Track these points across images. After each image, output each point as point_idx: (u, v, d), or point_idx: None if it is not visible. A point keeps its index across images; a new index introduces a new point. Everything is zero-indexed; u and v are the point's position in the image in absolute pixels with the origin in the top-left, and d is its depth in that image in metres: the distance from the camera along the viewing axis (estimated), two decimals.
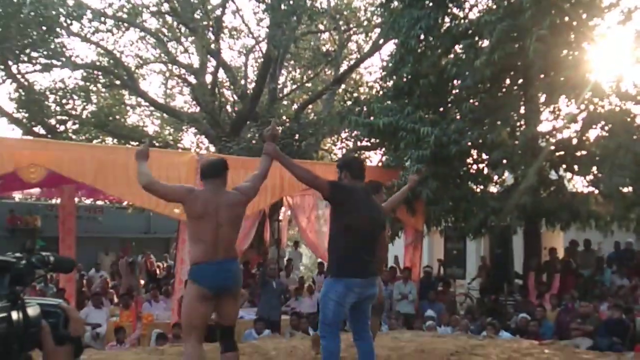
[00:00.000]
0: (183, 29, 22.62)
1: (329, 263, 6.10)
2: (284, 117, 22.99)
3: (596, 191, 14.99)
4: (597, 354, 8.07)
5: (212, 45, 22.04)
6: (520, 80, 15.27)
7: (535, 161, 14.15)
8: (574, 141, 15.15)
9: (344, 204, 5.86)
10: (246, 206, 5.97)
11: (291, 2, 19.60)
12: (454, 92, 16.18)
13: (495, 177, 16.07)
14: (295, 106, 25.18)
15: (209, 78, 23.14)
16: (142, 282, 18.77)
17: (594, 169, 14.89)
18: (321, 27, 24.45)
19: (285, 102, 25.49)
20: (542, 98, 15.23)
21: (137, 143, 21.53)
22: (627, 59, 15.02)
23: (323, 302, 5.85)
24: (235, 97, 23.93)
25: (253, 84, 22.81)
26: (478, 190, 15.80)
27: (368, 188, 6.20)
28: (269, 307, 13.34)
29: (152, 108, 25.01)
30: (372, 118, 15.55)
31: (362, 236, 5.82)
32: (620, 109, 14.63)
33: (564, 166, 15.41)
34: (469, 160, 15.65)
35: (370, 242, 5.90)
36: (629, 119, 14.63)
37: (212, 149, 21.56)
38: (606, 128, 14.64)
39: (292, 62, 24.97)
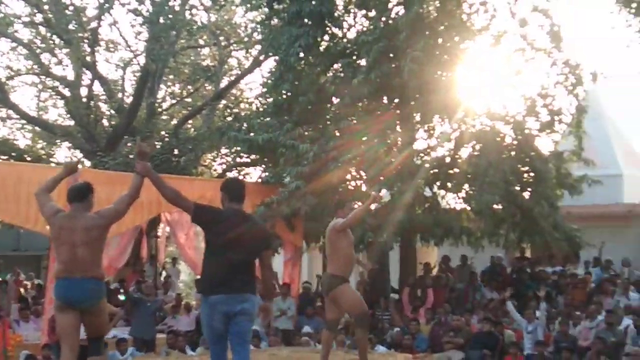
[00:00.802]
0: (57, 40, 21.88)
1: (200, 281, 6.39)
2: (163, 132, 22.59)
3: (468, 208, 15.50)
4: None
5: (88, 58, 21.42)
6: (397, 100, 15.64)
7: (410, 178, 14.48)
8: (447, 159, 15.64)
9: (208, 225, 6.12)
10: (106, 229, 6.33)
11: (170, 16, 19.33)
12: (332, 109, 16.38)
13: (372, 194, 16.32)
14: (174, 121, 24.79)
15: (84, 91, 22.44)
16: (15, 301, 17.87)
17: (466, 186, 15.41)
18: (201, 42, 24.23)
19: (164, 117, 25.01)
20: (417, 117, 15.65)
21: (6, 157, 20.61)
22: (497, 81, 15.72)
23: (202, 321, 6.24)
24: (112, 111, 23.33)
25: (130, 98, 22.31)
26: (355, 206, 15.98)
27: (241, 212, 6.35)
28: (142, 325, 13.02)
29: (23, 121, 24.00)
30: (251, 134, 15.54)
31: (228, 257, 5.97)
32: (491, 129, 15.24)
33: (438, 183, 15.86)
34: (347, 176, 15.85)
35: (238, 263, 6.00)
36: (498, 139, 15.26)
37: (88, 163, 20.89)
38: (477, 147, 15.20)
39: (171, 76, 24.56)
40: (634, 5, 14.35)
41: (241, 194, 6.40)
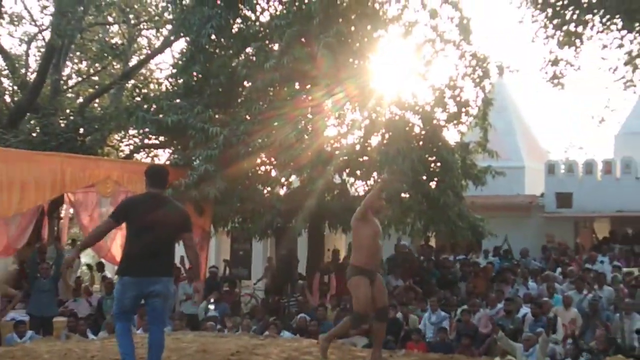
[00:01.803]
0: None
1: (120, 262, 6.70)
2: (68, 111, 21.94)
3: None
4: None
5: None
6: (309, 86, 15.62)
7: (320, 165, 14.52)
8: (357, 147, 15.74)
9: (127, 216, 6.48)
10: None
11: None
12: (244, 93, 16.23)
13: (283, 180, 16.30)
14: (80, 100, 24.11)
15: None
16: None
17: (375, 174, 15.55)
18: (110, 19, 23.61)
19: (69, 95, 24.32)
20: (329, 104, 15.68)
21: None
22: (407, 71, 15.90)
23: (114, 295, 6.70)
24: (15, 87, 22.50)
25: (34, 74, 21.56)
26: (265, 191, 15.97)
27: (159, 196, 6.66)
28: (39, 305, 12.68)
29: None
30: (161, 115, 15.24)
31: (143, 240, 6.31)
32: (400, 119, 15.41)
33: (347, 171, 15.95)
34: (257, 161, 15.76)
35: (153, 246, 6.31)
36: (407, 128, 15.45)
37: None
38: (386, 136, 15.35)
39: (77, 53, 23.88)
40: (539, 0, 14.73)
41: (161, 179, 6.75)
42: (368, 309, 7.34)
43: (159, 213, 6.39)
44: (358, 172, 15.89)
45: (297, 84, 15.71)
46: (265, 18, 16.22)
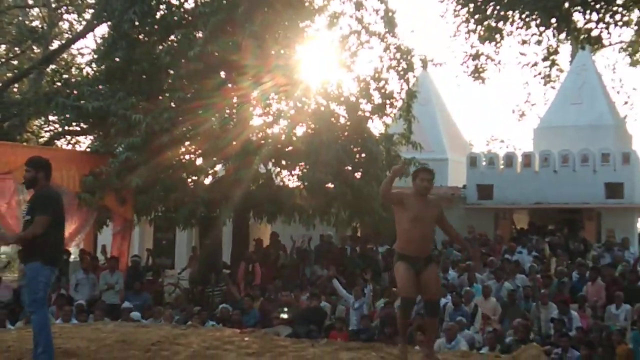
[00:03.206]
0: None
1: (35, 252, 6.76)
2: None
3: (301, 186, 15.69)
4: (293, 341, 8.42)
5: None
6: (234, 74, 15.51)
7: (246, 155, 14.45)
8: (283, 137, 15.72)
9: (55, 210, 6.82)
10: None
11: None
12: (168, 80, 16.01)
13: (208, 169, 16.17)
14: None
15: None
16: None
17: (301, 164, 15.58)
18: (30, 1, 22.97)
19: None
20: (255, 93, 15.61)
21: None
22: (332, 61, 15.96)
23: (34, 284, 6.75)
24: None
25: None
26: (190, 180, 15.82)
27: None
28: None
29: None
30: (82, 102, 14.90)
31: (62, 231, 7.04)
32: (325, 109, 15.47)
33: (273, 160, 15.93)
34: (182, 150, 15.59)
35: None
36: (332, 119, 15.53)
37: None
38: (312, 126, 15.38)
39: None
40: None
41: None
42: (411, 293, 7.04)
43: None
44: (283, 162, 15.88)
45: (223, 73, 15.60)
46: (190, 5, 16.03)
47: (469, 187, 21.09)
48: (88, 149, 16.36)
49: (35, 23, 23.75)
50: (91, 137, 18.34)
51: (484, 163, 21.42)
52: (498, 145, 39.73)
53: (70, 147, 20.65)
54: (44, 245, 6.74)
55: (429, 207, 7.16)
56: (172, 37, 15.70)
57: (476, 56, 15.97)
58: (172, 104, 15.12)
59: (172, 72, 15.45)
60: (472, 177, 21.16)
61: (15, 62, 24.04)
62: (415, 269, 7.05)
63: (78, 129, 19.68)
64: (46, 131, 22.71)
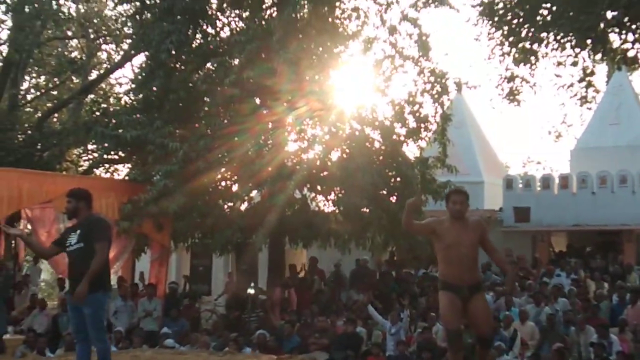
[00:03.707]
0: None
1: (97, 281, 6.89)
2: (25, 125, 21.67)
3: (337, 211, 15.71)
4: None
5: None
6: (269, 100, 15.64)
7: (281, 180, 14.52)
8: (318, 162, 15.78)
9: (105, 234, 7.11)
10: None
11: (36, 5, 18.59)
12: (204, 108, 16.20)
13: (243, 195, 16.27)
14: (38, 114, 23.84)
15: None
16: None
17: (336, 189, 15.61)
18: (69, 33, 23.44)
19: (27, 110, 24.05)
20: (290, 119, 15.71)
21: None
22: (367, 86, 16.03)
23: (101, 315, 7.06)
24: None
25: None
26: (226, 206, 15.92)
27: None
28: None
29: None
30: (120, 131, 15.13)
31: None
32: (360, 133, 15.51)
33: (308, 185, 15.98)
34: (218, 176, 15.72)
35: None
36: (367, 144, 15.56)
37: None
38: (347, 151, 15.43)
39: (36, 67, 23.64)
40: (495, 18, 14.98)
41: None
42: (454, 323, 6.70)
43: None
44: (318, 187, 15.92)
45: (257, 99, 15.74)
46: (225, 34, 16.24)
47: (506, 209, 20.93)
48: (126, 177, 16.57)
49: (74, 54, 24.22)
50: (129, 166, 18.59)
51: (520, 185, 21.27)
52: (534, 167, 39.43)
53: (108, 175, 20.96)
54: (104, 274, 7.02)
55: (467, 230, 6.79)
56: (208, 65, 15.90)
57: (511, 78, 15.91)
58: (208, 131, 15.29)
59: (208, 99, 15.65)
60: (509, 199, 21.01)
61: (55, 93, 24.48)
62: (460, 297, 6.70)
63: (116, 157, 20.01)
64: (85, 160, 23.08)
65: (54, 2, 20.41)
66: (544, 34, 15.05)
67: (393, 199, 15.59)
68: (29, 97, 24.20)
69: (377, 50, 15.78)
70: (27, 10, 18.81)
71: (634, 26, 14.65)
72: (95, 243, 6.88)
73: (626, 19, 14.44)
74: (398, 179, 15.76)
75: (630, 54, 15.46)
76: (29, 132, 20.43)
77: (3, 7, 20.22)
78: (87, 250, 6.87)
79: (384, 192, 15.51)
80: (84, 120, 19.93)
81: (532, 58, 15.47)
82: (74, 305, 6.97)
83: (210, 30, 16.15)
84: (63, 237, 7.26)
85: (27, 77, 23.45)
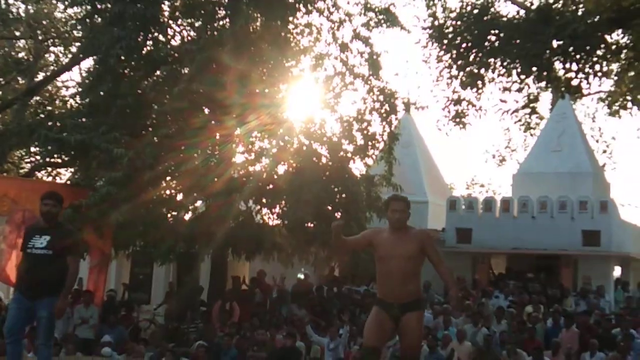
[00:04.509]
0: None
1: (60, 287, 6.99)
2: None
3: (282, 224, 15.70)
4: None
5: None
6: (218, 112, 15.59)
7: (228, 192, 14.46)
8: (265, 175, 15.77)
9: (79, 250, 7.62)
10: None
11: None
12: (152, 116, 16.05)
13: (188, 204, 16.15)
14: None
15: None
16: None
17: (282, 202, 15.60)
18: (17, 33, 23.03)
19: None
20: (238, 130, 15.69)
21: None
22: (317, 101, 16.12)
23: (54, 319, 7.07)
24: None
25: None
26: (169, 216, 15.78)
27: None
28: None
29: None
30: (64, 134, 14.89)
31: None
32: (308, 148, 15.56)
33: (254, 198, 15.94)
34: (162, 184, 15.57)
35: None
36: (314, 159, 15.61)
37: None
38: (294, 165, 15.46)
39: None
40: (445, 41, 15.28)
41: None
42: (372, 342, 6.32)
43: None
44: (264, 200, 15.90)
45: (207, 110, 15.67)
46: (176, 42, 16.15)
47: (448, 230, 21.19)
48: (68, 182, 16.31)
49: (21, 54, 23.80)
50: (72, 170, 18.30)
51: (463, 207, 21.56)
52: (478, 190, 40.02)
53: (50, 179, 20.59)
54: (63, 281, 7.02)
55: (405, 241, 6.24)
56: (158, 72, 15.80)
57: (458, 101, 16.22)
58: (155, 139, 15.15)
59: (156, 107, 15.51)
60: (452, 220, 21.28)
61: None
62: (390, 315, 6.26)
63: (59, 161, 19.66)
64: (27, 162, 22.65)
65: (2, 2, 20.08)
66: (491, 60, 15.39)
67: (338, 214, 15.65)
68: None
69: (328, 67, 15.95)
70: None
71: (578, 56, 15.07)
72: (68, 256, 6.97)
73: (571, 49, 14.86)
74: (344, 195, 15.83)
75: (574, 82, 15.90)
76: None
77: None
78: (54, 259, 6.92)
79: (329, 207, 15.56)
80: (28, 122, 19.55)
81: (479, 82, 15.81)
82: (26, 305, 6.97)
83: (161, 37, 16.04)
84: (25, 239, 7.17)
85: None
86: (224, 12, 15.83)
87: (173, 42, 16.19)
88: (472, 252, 20.84)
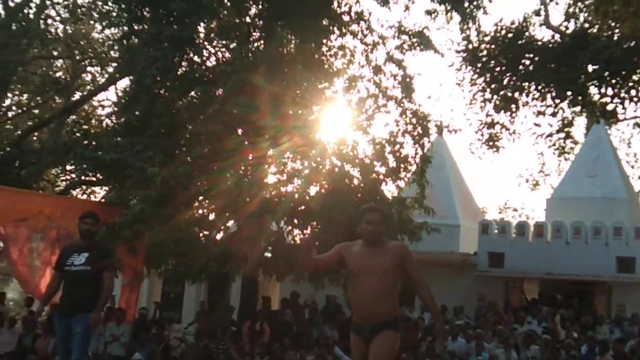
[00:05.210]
0: None
1: (94, 303, 7.23)
2: (5, 142, 21.57)
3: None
4: None
5: None
6: (251, 133, 15.68)
7: (259, 212, 14.50)
8: (296, 196, 15.79)
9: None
10: None
11: (23, 24, 18.63)
12: (186, 136, 16.20)
13: (220, 224, 16.24)
14: (18, 132, 23.74)
15: None
16: None
17: (313, 223, 15.60)
18: (55, 53, 23.45)
19: (7, 127, 23.95)
20: (271, 152, 15.76)
21: None
22: (349, 123, 16.14)
23: (89, 335, 7.36)
24: None
25: None
26: (202, 235, 15.86)
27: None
28: None
29: None
30: (100, 153, 15.08)
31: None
32: (340, 170, 15.57)
33: (285, 219, 15.97)
34: (195, 204, 15.67)
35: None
36: (346, 180, 15.61)
37: None
38: (326, 186, 15.46)
39: (19, 85, 23.59)
40: (479, 65, 15.25)
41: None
42: None
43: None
44: (296, 221, 15.91)
45: (239, 130, 15.76)
46: (211, 63, 16.31)
47: (480, 254, 21.01)
48: (103, 200, 16.48)
49: (59, 74, 24.20)
50: (106, 188, 18.51)
51: (495, 231, 21.38)
52: (511, 214, 39.65)
53: (85, 197, 20.84)
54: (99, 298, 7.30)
55: (380, 255, 5.54)
56: (192, 93, 15.95)
57: (491, 125, 16.16)
58: (189, 159, 15.27)
59: (190, 128, 15.65)
60: (484, 244, 21.09)
61: (36, 111, 24.42)
62: (363, 339, 5.58)
63: (94, 179, 19.93)
64: (62, 180, 22.96)
65: (41, 22, 20.46)
66: (525, 84, 15.31)
67: None
68: (10, 114, 24.09)
69: (361, 89, 15.96)
70: (14, 27, 18.82)
71: (613, 81, 14.95)
72: (104, 271, 7.25)
73: (606, 74, 14.74)
74: None
75: (609, 107, 15.77)
76: (8, 149, 20.32)
77: None
78: (92, 275, 7.21)
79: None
80: (64, 140, 19.87)
81: (513, 106, 15.74)
82: (65, 323, 7.23)
83: (196, 58, 16.21)
84: (63, 257, 7.40)
85: (9, 95, 23.35)
86: (258, 34, 15.98)
87: (208, 63, 16.35)
88: (504, 276, 20.62)
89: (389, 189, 16.63)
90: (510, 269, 20.49)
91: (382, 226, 5.70)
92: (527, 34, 16.82)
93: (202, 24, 16.09)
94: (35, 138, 23.62)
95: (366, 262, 5.51)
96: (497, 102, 15.69)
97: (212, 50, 16.54)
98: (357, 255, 5.59)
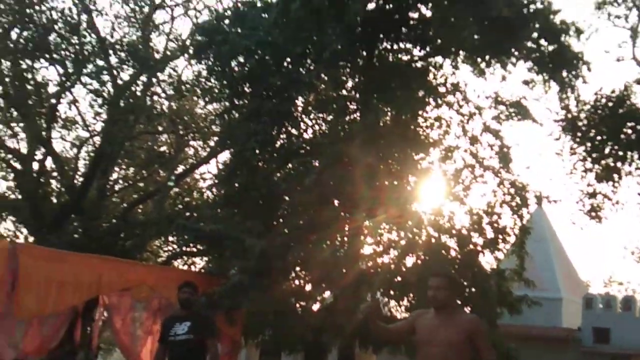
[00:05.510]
0: (14, 113, 21.79)
1: None
2: (111, 215, 22.41)
3: None
4: None
5: (43, 133, 21.35)
6: (347, 205, 15.79)
7: (355, 283, 14.48)
8: (392, 267, 15.72)
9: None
10: None
11: (131, 100, 19.53)
12: (283, 207, 16.46)
13: (316, 295, 16.29)
14: (124, 204, 24.63)
15: (35, 166, 22.26)
16: None
17: (409, 295, 15.44)
18: (160, 128, 24.40)
19: (114, 199, 24.88)
20: (367, 223, 15.80)
21: None
22: (445, 194, 16.05)
23: None
24: (62, 189, 23.12)
25: (82, 178, 22.18)
26: (298, 306, 15.92)
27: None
28: None
29: None
30: (201, 224, 15.48)
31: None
32: (436, 241, 15.43)
33: (381, 290, 15.87)
34: (292, 275, 15.80)
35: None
36: (443, 251, 15.43)
37: (31, 239, 20.54)
38: (422, 257, 15.32)
39: (125, 159, 24.58)
40: (578, 134, 14.97)
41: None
42: None
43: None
44: (392, 292, 15.79)
45: (335, 201, 15.90)
46: (308, 135, 16.63)
47: (585, 329, 20.27)
48: (202, 270, 16.80)
49: (163, 148, 25.08)
50: (206, 259, 18.88)
51: (600, 305, 20.63)
52: (616, 288, 38.19)
53: (186, 267, 21.31)
54: None
55: (449, 326, 5.34)
56: (290, 165, 16.26)
57: (593, 195, 15.76)
58: (286, 230, 15.48)
59: (287, 199, 15.90)
60: (588, 319, 20.38)
61: (141, 184, 25.27)
62: None
63: (195, 250, 20.41)
64: (165, 251, 23.56)
65: (147, 98, 21.38)
66: (627, 152, 14.91)
67: (467, 309, 15.29)
68: (116, 187, 25.03)
69: (457, 159, 15.89)
70: (121, 104, 19.72)
71: None
72: (207, 339, 7.46)
73: None
74: (473, 289, 15.49)
75: None
76: (114, 221, 21.07)
77: (99, 101, 21.23)
78: (195, 343, 7.40)
79: (458, 301, 15.23)
80: (167, 212, 20.50)
81: (615, 175, 15.28)
82: None
83: (294, 131, 16.57)
84: (166, 329, 7.60)
85: (116, 168, 24.33)
86: (354, 106, 16.23)
87: (305, 136, 16.68)
88: (610, 353, 19.78)
89: (487, 261, 16.33)
90: (617, 345, 19.67)
91: (443, 293, 5.43)
92: (628, 102, 16.53)
93: (300, 98, 16.49)
94: (140, 210, 24.41)
95: (433, 331, 5.35)
96: (599, 172, 15.35)
97: (310, 123, 16.86)
98: (426, 323, 5.45)
